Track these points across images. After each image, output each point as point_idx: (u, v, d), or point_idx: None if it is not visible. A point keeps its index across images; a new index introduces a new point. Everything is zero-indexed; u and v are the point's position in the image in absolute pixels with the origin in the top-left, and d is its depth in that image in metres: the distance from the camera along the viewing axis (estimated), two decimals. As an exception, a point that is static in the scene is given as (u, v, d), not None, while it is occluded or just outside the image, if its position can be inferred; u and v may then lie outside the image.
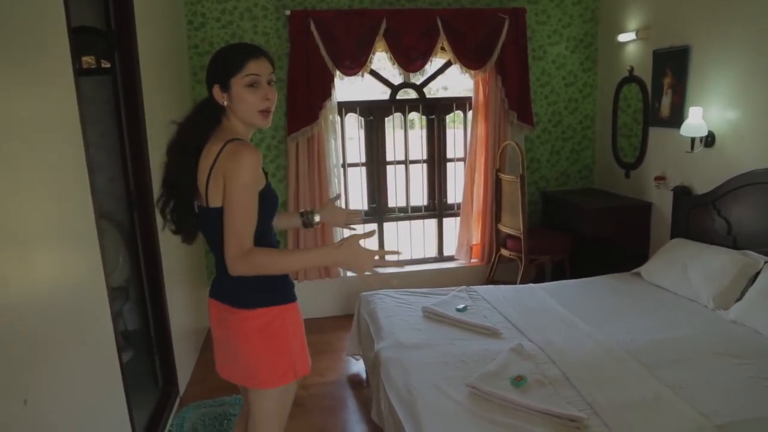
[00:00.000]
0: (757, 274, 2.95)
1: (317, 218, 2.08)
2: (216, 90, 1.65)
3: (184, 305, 3.44)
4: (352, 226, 2.16)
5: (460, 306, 3.19)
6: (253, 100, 1.64)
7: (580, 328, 2.86)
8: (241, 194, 1.55)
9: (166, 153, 1.72)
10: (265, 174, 1.74)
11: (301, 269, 1.68)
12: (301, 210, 2.26)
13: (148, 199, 2.77)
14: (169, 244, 3.05)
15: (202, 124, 1.67)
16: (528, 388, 2.25)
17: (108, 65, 3.04)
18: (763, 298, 2.79)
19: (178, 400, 3.07)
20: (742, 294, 2.95)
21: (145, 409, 2.72)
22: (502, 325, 2.97)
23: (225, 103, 1.65)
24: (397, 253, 1.85)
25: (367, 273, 1.65)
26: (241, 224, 1.56)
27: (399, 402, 2.27)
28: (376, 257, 1.65)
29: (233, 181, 1.55)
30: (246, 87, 1.63)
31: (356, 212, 2.23)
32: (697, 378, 2.34)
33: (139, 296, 2.85)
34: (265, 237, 1.71)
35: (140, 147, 2.73)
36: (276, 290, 1.73)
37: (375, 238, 4.65)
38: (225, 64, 1.64)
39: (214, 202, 1.63)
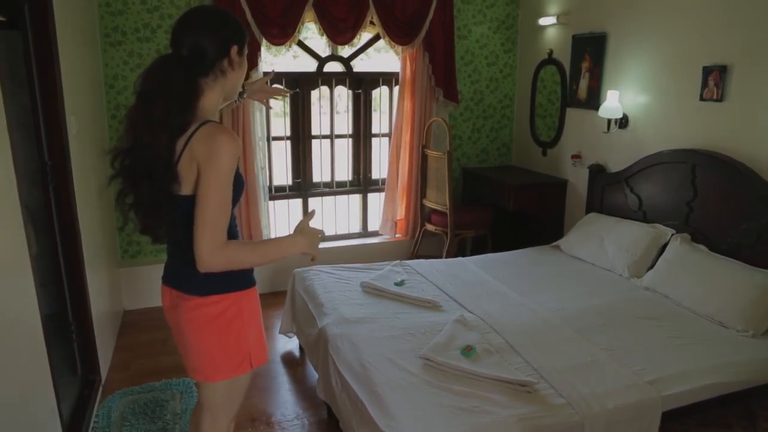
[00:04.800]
0: (665, 245, 3.25)
1: (245, 94, 2.01)
2: (234, 51, 1.52)
3: (101, 286, 3.17)
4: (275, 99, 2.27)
5: (398, 280, 3.22)
6: (244, 72, 1.60)
7: (513, 298, 3.00)
8: (220, 185, 1.41)
9: (132, 129, 1.46)
10: None
11: (269, 262, 1.58)
12: None
13: (65, 169, 2.50)
14: (85, 220, 2.79)
15: (188, 93, 1.45)
16: (478, 357, 2.33)
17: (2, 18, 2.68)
18: (672, 267, 3.08)
19: (101, 389, 2.84)
20: (653, 263, 3.24)
21: (66, 399, 2.48)
22: (440, 297, 3.03)
23: (234, 68, 1.54)
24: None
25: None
26: (216, 216, 1.41)
27: (353, 377, 2.26)
28: (320, 235, 1.65)
29: (211, 170, 1.40)
30: (244, 57, 1.58)
31: (284, 91, 2.22)
32: (624, 340, 2.55)
33: (54, 277, 2.57)
34: (232, 227, 1.58)
35: (56, 112, 2.44)
36: (231, 275, 1.56)
37: (299, 212, 4.56)
38: (242, 29, 1.55)
39: (184, 189, 1.47)
